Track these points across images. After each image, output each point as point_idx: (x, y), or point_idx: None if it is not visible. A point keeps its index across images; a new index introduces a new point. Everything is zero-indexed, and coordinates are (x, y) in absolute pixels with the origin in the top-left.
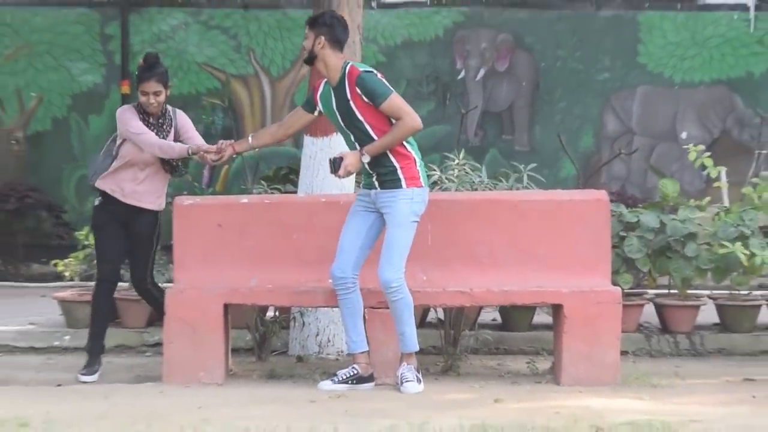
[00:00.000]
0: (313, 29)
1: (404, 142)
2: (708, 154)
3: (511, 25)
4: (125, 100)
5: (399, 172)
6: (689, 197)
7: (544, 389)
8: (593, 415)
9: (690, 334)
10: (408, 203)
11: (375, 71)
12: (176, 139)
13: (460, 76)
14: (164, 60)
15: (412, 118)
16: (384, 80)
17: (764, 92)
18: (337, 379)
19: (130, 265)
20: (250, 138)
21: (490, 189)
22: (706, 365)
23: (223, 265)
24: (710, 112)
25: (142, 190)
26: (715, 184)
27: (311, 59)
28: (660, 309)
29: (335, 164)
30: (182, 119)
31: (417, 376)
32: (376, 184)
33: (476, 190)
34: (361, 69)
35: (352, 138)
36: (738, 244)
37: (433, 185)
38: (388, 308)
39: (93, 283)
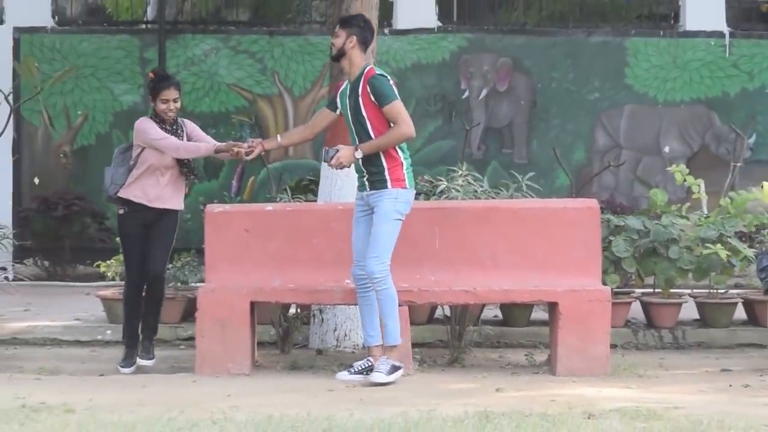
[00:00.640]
0: (345, 29)
1: (396, 147)
2: (688, 171)
3: (510, 50)
4: None
5: (386, 173)
6: (672, 205)
7: (541, 379)
8: (586, 402)
9: (673, 329)
10: (392, 202)
11: (389, 77)
12: None
13: (464, 96)
14: (197, 81)
15: (407, 126)
16: (394, 87)
17: (739, 110)
18: (353, 370)
19: (148, 261)
20: (278, 137)
21: (491, 198)
22: (688, 357)
23: (250, 266)
24: (690, 128)
25: (166, 193)
26: (694, 196)
27: (339, 56)
28: (646, 306)
29: (329, 155)
30: (191, 126)
31: (391, 368)
32: (367, 185)
33: (479, 198)
34: (378, 72)
35: (354, 133)
36: (719, 245)
37: (440, 194)
38: (399, 305)
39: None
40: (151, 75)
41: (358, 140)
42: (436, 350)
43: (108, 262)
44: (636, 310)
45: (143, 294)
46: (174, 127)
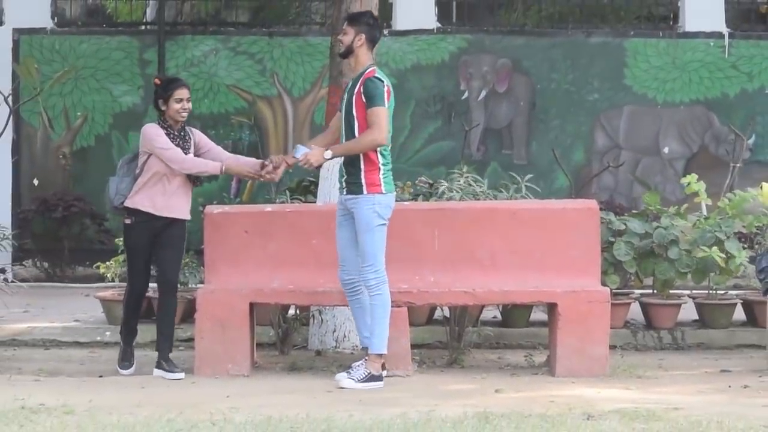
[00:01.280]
0: (354, 26)
1: (376, 151)
2: (697, 177)
3: (510, 51)
4: None
5: (362, 177)
6: (671, 206)
7: (540, 380)
8: (585, 403)
9: (672, 330)
10: (370, 209)
11: (385, 83)
12: (196, 154)
13: (463, 97)
14: (196, 82)
15: (378, 133)
16: (387, 94)
17: (738, 111)
18: (353, 372)
19: (160, 268)
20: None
21: (491, 198)
22: (687, 358)
23: (249, 267)
24: (689, 129)
25: (173, 202)
26: (696, 200)
27: (347, 53)
28: (645, 307)
29: (299, 152)
30: (199, 134)
31: (367, 376)
32: (345, 188)
33: (479, 199)
34: (377, 74)
35: (343, 131)
36: (715, 248)
37: (440, 196)
38: (398, 306)
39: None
40: (157, 81)
41: (345, 139)
42: (435, 351)
43: (107, 263)
44: (635, 311)
45: (157, 304)
46: (182, 133)
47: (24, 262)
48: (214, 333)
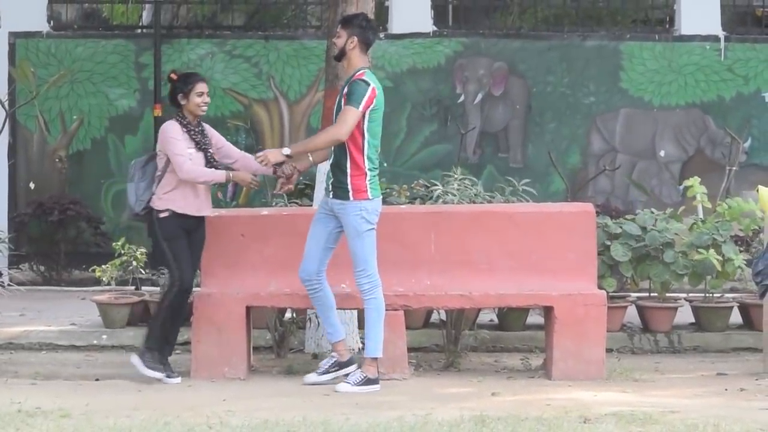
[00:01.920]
0: (347, 29)
1: (363, 156)
2: (698, 180)
3: (505, 54)
4: (158, 122)
5: (348, 182)
6: (667, 209)
7: (536, 383)
8: (581, 406)
9: (668, 333)
10: (358, 216)
11: (372, 86)
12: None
13: (459, 100)
14: None
15: (338, 129)
16: (369, 97)
17: (734, 114)
18: (320, 371)
19: None
20: (310, 156)
21: (487, 202)
22: (683, 361)
23: (246, 271)
24: (685, 132)
25: (202, 200)
26: (694, 202)
27: (341, 56)
28: (641, 310)
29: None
30: (211, 130)
31: (363, 380)
32: (331, 190)
33: (475, 202)
34: (364, 77)
35: None
36: (711, 251)
37: (436, 199)
38: (395, 310)
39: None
40: (174, 76)
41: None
42: (431, 354)
43: (103, 266)
44: (631, 314)
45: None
46: (200, 128)
47: (20, 266)
48: (211, 336)
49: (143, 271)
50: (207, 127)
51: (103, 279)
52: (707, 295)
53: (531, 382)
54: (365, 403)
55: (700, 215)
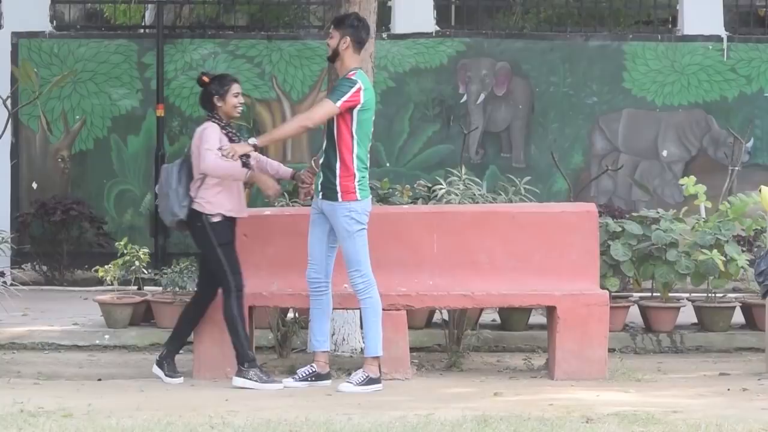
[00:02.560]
0: (339, 29)
1: (353, 156)
2: (695, 180)
3: (508, 54)
4: (160, 122)
5: (337, 183)
6: (670, 209)
7: (539, 383)
8: (584, 406)
9: (671, 333)
10: (347, 217)
11: (359, 84)
12: None
13: (462, 100)
14: (195, 86)
15: (306, 116)
16: (348, 95)
17: (737, 114)
18: (297, 378)
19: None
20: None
21: (490, 202)
22: (686, 361)
23: (248, 271)
24: (688, 132)
25: (243, 202)
26: (696, 202)
27: (334, 57)
28: (644, 310)
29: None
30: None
31: (366, 379)
32: (320, 191)
33: (477, 202)
34: (351, 77)
35: (326, 134)
36: (715, 251)
37: (438, 199)
38: (398, 310)
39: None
40: (205, 78)
41: (326, 139)
42: (434, 354)
43: (106, 266)
44: (634, 314)
45: (199, 308)
46: (234, 130)
47: (23, 266)
48: (213, 336)
49: (146, 271)
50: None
51: (106, 279)
52: (710, 295)
53: (533, 382)
54: (367, 403)
55: (703, 215)
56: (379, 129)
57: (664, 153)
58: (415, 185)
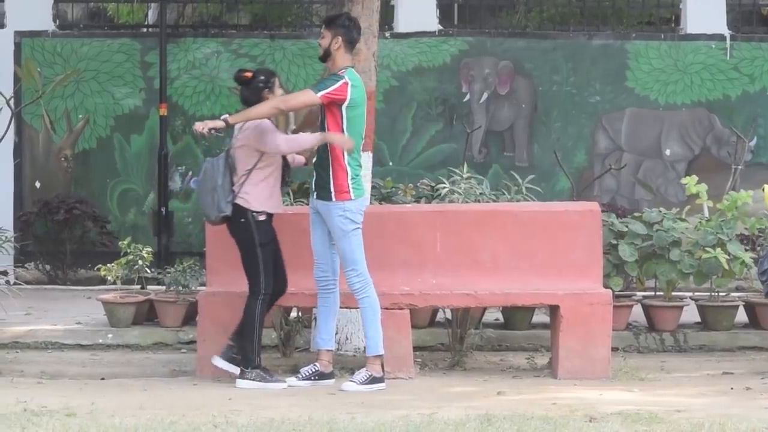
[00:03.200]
0: (331, 29)
1: (346, 155)
2: (696, 180)
3: (511, 53)
4: (163, 121)
5: (330, 182)
6: (673, 208)
7: (542, 382)
8: (587, 405)
9: (674, 332)
10: (342, 216)
11: (345, 80)
12: None
13: (465, 99)
14: (198, 85)
15: (283, 99)
16: (332, 88)
17: (740, 113)
18: (300, 377)
19: (282, 273)
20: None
21: (493, 201)
22: (689, 360)
23: None
24: (691, 131)
25: (280, 198)
26: (697, 201)
27: (325, 57)
28: (647, 309)
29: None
30: None
31: (369, 378)
32: (314, 190)
33: (480, 201)
34: (340, 74)
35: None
36: (718, 249)
37: (442, 198)
38: (400, 309)
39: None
40: (248, 74)
41: (320, 124)
42: (437, 354)
43: (109, 265)
44: (637, 313)
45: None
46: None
47: (26, 265)
48: (216, 335)
49: (149, 270)
50: None
51: (109, 278)
52: (713, 294)
53: (536, 381)
54: (371, 402)
55: (706, 214)
56: (382, 128)
57: (667, 152)
58: (418, 184)
